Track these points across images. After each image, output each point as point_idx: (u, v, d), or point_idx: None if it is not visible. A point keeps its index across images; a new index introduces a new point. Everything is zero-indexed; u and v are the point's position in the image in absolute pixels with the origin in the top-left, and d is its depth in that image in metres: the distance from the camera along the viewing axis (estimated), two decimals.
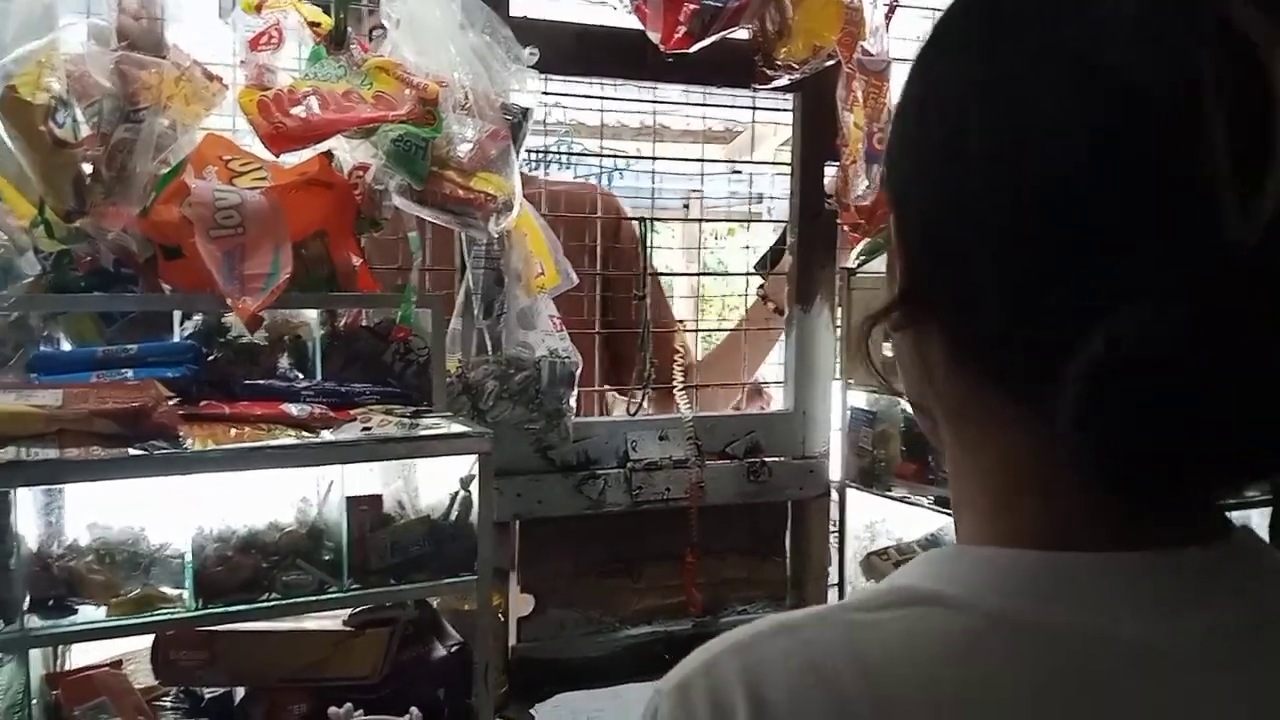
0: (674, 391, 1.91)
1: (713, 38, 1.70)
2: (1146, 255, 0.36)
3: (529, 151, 1.86)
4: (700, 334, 2.08)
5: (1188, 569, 0.41)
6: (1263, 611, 0.42)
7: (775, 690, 0.39)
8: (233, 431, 1.25)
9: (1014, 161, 0.40)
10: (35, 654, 1.34)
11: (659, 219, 2.01)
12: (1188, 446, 0.37)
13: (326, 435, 1.29)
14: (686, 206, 2.35)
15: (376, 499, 1.36)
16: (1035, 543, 0.42)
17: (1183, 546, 0.41)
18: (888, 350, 0.55)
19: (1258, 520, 2.19)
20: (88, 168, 1.36)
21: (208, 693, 1.41)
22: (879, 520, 2.03)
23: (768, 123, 2.08)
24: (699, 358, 2.17)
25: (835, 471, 2.02)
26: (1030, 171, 0.39)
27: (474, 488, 1.39)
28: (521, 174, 1.84)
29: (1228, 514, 0.45)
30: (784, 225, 2.03)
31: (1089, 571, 0.41)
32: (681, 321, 2.06)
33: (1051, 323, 0.38)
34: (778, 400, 2.08)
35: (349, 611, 1.40)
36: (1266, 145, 0.34)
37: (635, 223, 1.94)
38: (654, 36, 1.67)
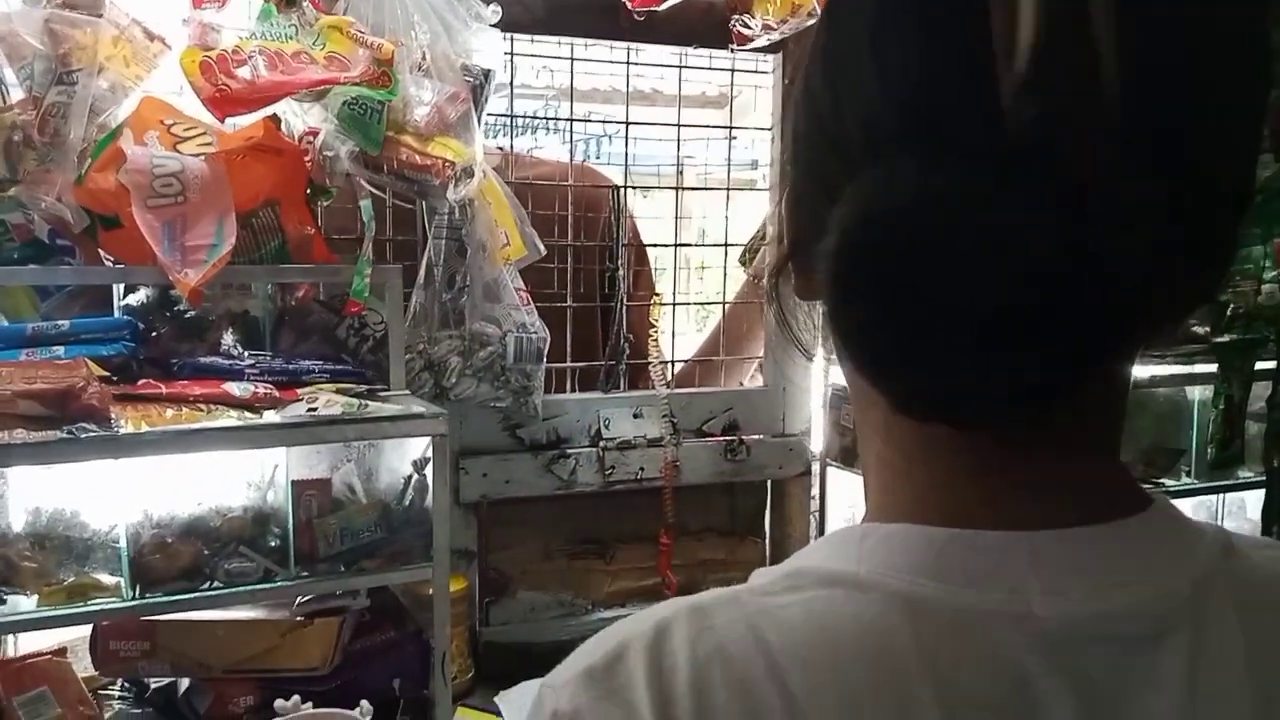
0: (649, 367, 1.85)
1: None
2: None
3: (512, 117, 1.77)
4: (686, 306, 2.00)
5: (1100, 546, 0.39)
6: (1181, 585, 0.40)
7: (680, 685, 0.38)
8: (169, 413, 1.19)
9: (834, 108, 0.41)
10: None
11: (635, 186, 1.92)
12: (926, 328, 0.35)
13: (270, 416, 1.23)
14: (680, 173, 2.26)
15: (324, 483, 1.29)
16: (938, 518, 0.41)
17: (1087, 523, 0.40)
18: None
19: (1252, 502, 2.14)
20: (19, 133, 1.28)
21: (152, 682, 1.36)
22: (861, 500, 1.96)
23: (759, 87, 1.99)
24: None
25: (816, 449, 1.96)
26: (844, 114, 0.40)
27: (429, 471, 1.32)
28: (515, 154, 1.77)
29: (1142, 486, 0.43)
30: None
31: (997, 551, 0.39)
32: (658, 294, 1.98)
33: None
34: (756, 376, 2.01)
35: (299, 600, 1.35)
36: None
37: (608, 190, 1.86)
38: None
